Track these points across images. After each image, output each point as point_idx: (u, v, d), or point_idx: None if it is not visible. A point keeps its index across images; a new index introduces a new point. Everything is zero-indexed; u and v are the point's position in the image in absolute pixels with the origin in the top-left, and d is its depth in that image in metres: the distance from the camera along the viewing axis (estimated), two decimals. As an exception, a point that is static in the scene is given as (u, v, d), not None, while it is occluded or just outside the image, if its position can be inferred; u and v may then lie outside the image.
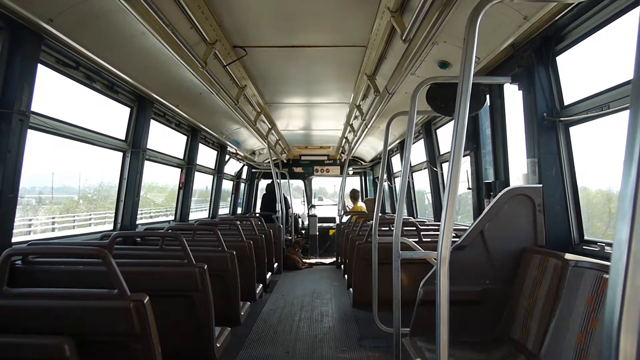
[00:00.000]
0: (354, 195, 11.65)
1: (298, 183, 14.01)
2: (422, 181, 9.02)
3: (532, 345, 2.89)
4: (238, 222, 6.18)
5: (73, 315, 2.15)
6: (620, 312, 0.75)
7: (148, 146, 5.69)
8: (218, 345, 3.78)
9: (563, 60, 3.45)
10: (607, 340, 0.78)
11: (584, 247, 3.24)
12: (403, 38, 3.66)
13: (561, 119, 3.38)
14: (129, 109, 5.37)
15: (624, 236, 0.74)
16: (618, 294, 0.75)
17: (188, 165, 7.49)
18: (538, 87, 3.48)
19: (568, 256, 2.85)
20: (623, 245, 0.75)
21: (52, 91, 4.16)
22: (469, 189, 5.12)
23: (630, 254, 0.74)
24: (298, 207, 14.80)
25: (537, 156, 3.47)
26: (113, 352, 2.24)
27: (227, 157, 9.95)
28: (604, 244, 3.00)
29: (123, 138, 5.37)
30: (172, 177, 7.65)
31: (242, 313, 4.84)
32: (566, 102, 3.40)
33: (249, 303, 5.21)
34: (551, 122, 3.44)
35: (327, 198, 25.06)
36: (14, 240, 3.49)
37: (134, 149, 5.41)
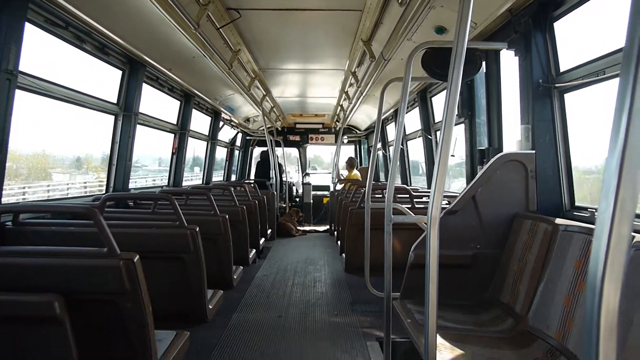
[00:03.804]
0: (350, 163, 11.55)
1: (292, 151, 13.97)
2: (417, 151, 9.03)
3: (521, 307, 2.95)
4: (231, 188, 6.19)
5: (62, 273, 2.15)
6: (605, 261, 0.76)
7: (141, 111, 5.62)
8: (210, 307, 3.84)
9: (560, 27, 3.41)
10: (591, 291, 0.79)
11: (574, 213, 3.27)
12: (400, 1, 3.59)
13: (556, 85, 3.37)
14: (120, 72, 5.28)
15: (612, 185, 0.75)
16: (603, 243, 0.76)
17: (181, 131, 7.42)
18: (534, 53, 3.45)
19: (558, 221, 2.89)
20: (610, 194, 0.75)
21: (43, 53, 4.09)
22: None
23: (617, 201, 0.74)
24: (292, 175, 14.81)
25: (531, 122, 3.47)
26: (103, 310, 2.26)
27: (221, 123, 9.87)
28: (594, 210, 3.03)
29: (115, 101, 5.29)
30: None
31: (235, 277, 4.90)
32: (562, 69, 3.39)
33: (242, 267, 5.27)
34: (546, 89, 3.42)
35: (322, 168, 24.77)
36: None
37: (126, 112, 5.35)
